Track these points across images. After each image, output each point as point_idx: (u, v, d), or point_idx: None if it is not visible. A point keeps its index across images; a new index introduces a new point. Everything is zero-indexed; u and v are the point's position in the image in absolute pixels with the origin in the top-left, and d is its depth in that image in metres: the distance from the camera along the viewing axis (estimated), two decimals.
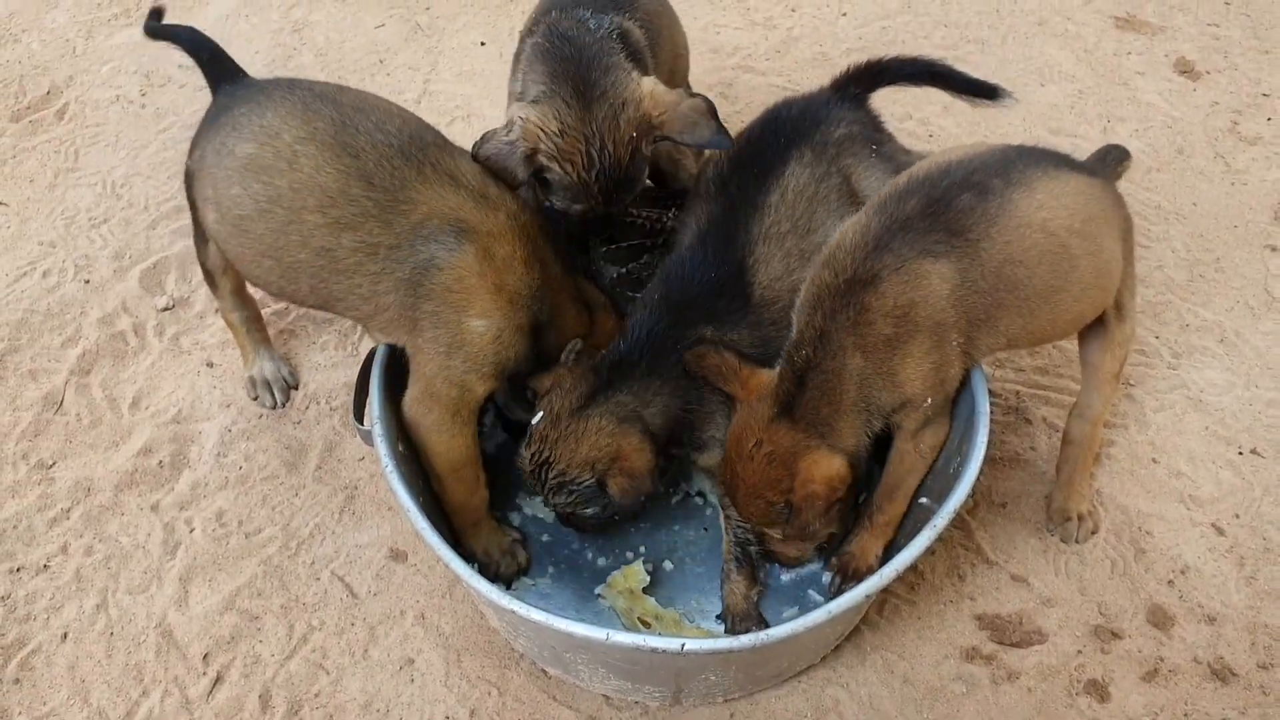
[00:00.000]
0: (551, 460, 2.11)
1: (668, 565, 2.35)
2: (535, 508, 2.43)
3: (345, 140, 2.09)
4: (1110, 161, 2.50)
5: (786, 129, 2.29)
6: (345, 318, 2.29)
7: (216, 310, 2.78)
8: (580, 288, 2.28)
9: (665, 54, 2.57)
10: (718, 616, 2.26)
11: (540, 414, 2.15)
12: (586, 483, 2.11)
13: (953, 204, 2.02)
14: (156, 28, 2.51)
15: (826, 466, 2.00)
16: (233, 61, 2.42)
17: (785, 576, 2.32)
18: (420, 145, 2.13)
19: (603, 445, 2.09)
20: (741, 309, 2.17)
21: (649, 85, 2.22)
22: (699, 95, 2.24)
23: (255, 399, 2.69)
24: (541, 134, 2.17)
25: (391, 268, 2.08)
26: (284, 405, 2.68)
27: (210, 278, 2.55)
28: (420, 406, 2.16)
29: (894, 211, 2.03)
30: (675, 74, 2.70)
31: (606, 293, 2.37)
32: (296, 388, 2.72)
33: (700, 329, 2.15)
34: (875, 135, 2.38)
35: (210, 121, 2.27)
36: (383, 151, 2.09)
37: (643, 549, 2.38)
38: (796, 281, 2.15)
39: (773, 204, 2.21)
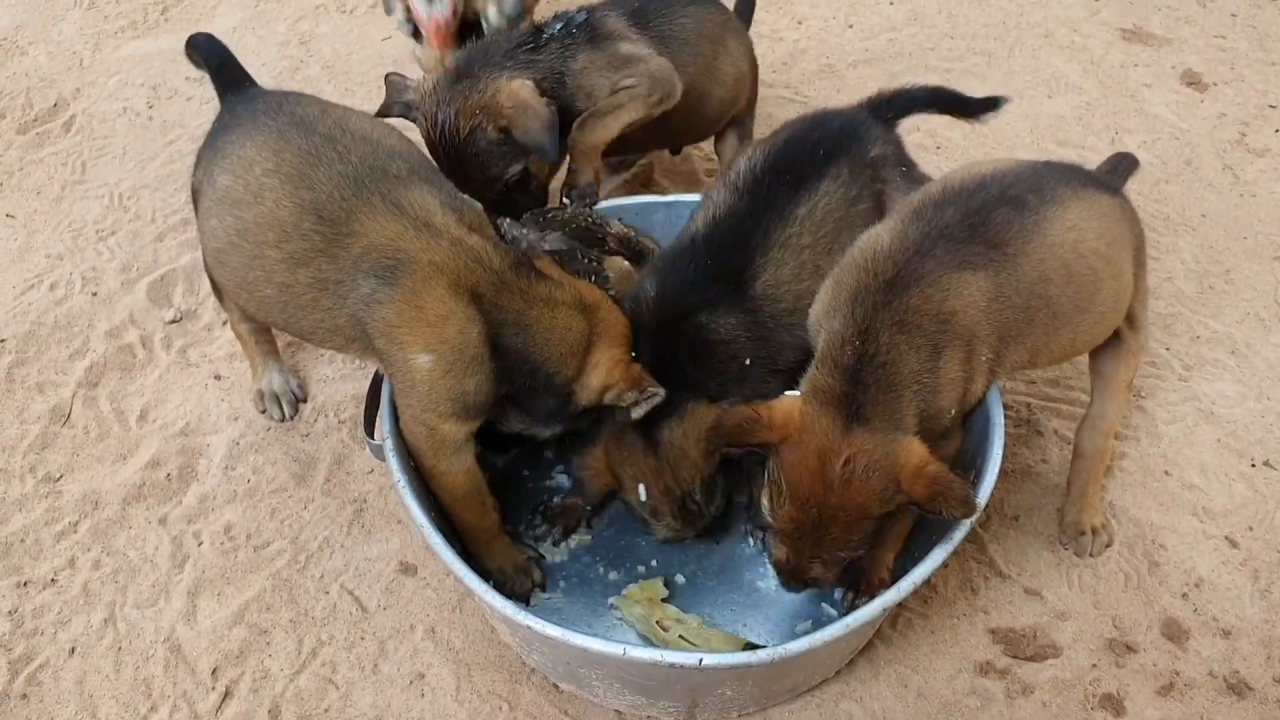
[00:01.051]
0: (690, 488, 2.22)
1: (680, 579, 2.34)
2: (546, 550, 2.41)
3: (306, 172, 2.04)
4: (1121, 171, 2.49)
5: (828, 142, 2.30)
6: (324, 351, 2.28)
7: (224, 323, 2.78)
8: (563, 290, 2.11)
9: (713, 76, 2.76)
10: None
11: (641, 487, 2.22)
12: (717, 469, 2.22)
13: (991, 217, 2.01)
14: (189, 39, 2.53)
15: (922, 450, 1.88)
16: (242, 70, 2.42)
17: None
18: (379, 175, 2.06)
19: (696, 436, 2.14)
20: (738, 296, 2.17)
21: (515, 84, 2.45)
22: (550, 108, 2.46)
23: (263, 412, 2.67)
24: (422, 91, 2.51)
25: (339, 302, 2.03)
26: (292, 418, 2.67)
27: (217, 290, 2.54)
28: (407, 439, 2.12)
29: (932, 219, 2.01)
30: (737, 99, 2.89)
31: (601, 285, 2.28)
32: (305, 400, 2.71)
33: (695, 317, 2.15)
34: (903, 157, 2.41)
35: (210, 141, 2.25)
36: (337, 183, 2.03)
37: (654, 563, 2.37)
38: (804, 290, 2.15)
39: (800, 216, 2.22)
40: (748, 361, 2.19)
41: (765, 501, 1.97)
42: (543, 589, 2.30)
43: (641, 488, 2.21)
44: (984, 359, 2.00)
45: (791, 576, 2.01)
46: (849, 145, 2.30)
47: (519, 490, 2.48)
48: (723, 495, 2.30)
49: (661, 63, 2.59)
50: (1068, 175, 2.15)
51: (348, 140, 2.10)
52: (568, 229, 2.45)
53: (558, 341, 2.08)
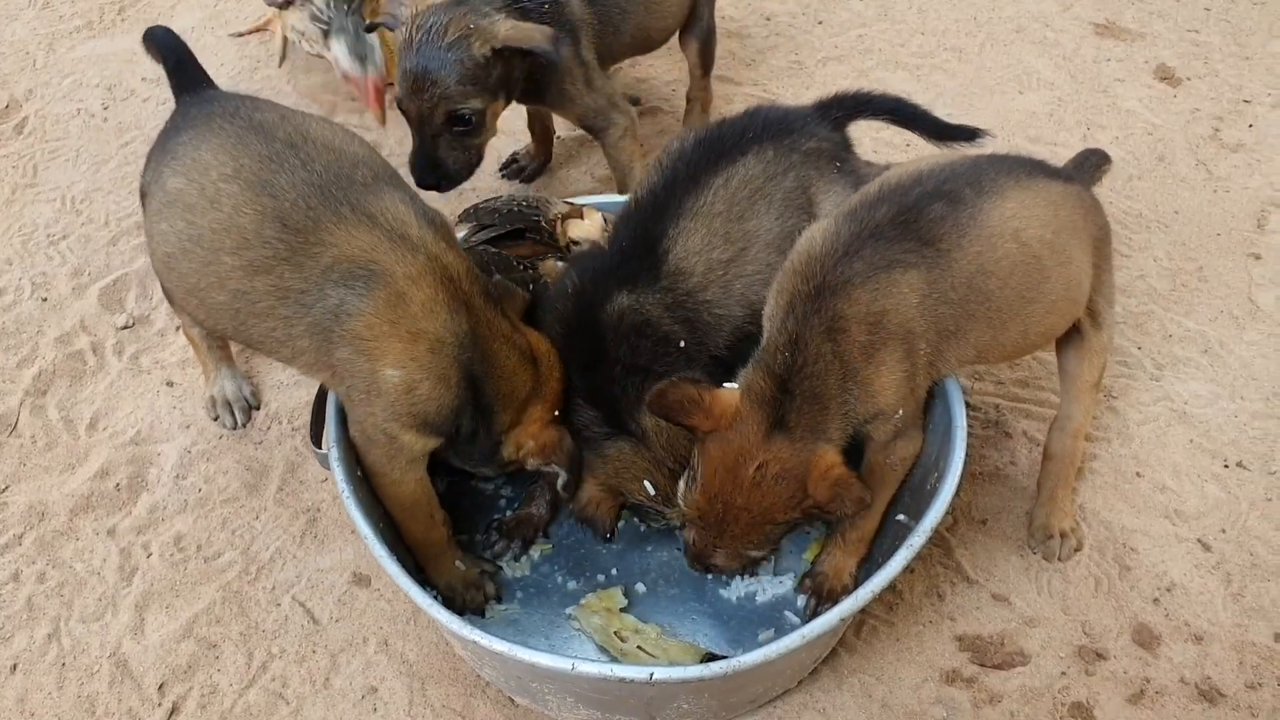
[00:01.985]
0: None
1: (640, 588, 2.28)
2: (508, 565, 2.34)
3: (267, 179, 1.98)
4: (1089, 166, 2.44)
5: (758, 125, 2.26)
6: (275, 360, 2.19)
7: (178, 328, 2.71)
8: (519, 335, 2.09)
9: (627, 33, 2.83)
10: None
11: (647, 485, 2.14)
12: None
13: (924, 213, 1.97)
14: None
15: (835, 459, 1.91)
16: (199, 69, 2.35)
17: (761, 598, 2.25)
18: (345, 184, 2.00)
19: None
20: (653, 273, 2.12)
21: (507, 23, 2.45)
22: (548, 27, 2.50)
23: (215, 419, 2.61)
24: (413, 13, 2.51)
25: (301, 313, 1.97)
26: (244, 426, 2.60)
27: (169, 294, 2.42)
28: (360, 445, 2.06)
29: (864, 219, 1.98)
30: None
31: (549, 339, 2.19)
32: (258, 408, 2.64)
33: (617, 296, 2.09)
34: (843, 154, 2.36)
35: (161, 142, 2.17)
36: (301, 191, 1.97)
37: (614, 571, 2.31)
38: (714, 261, 2.14)
39: (715, 185, 2.17)
40: (682, 344, 2.12)
41: (681, 484, 2.03)
42: (498, 601, 2.24)
43: (648, 483, 2.14)
44: (922, 354, 1.98)
45: (694, 559, 2.07)
46: (781, 134, 2.26)
47: (475, 499, 2.42)
48: None
49: (627, 110, 2.79)
50: (1011, 165, 2.10)
51: (309, 147, 2.03)
52: (504, 214, 2.40)
53: (507, 381, 2.04)
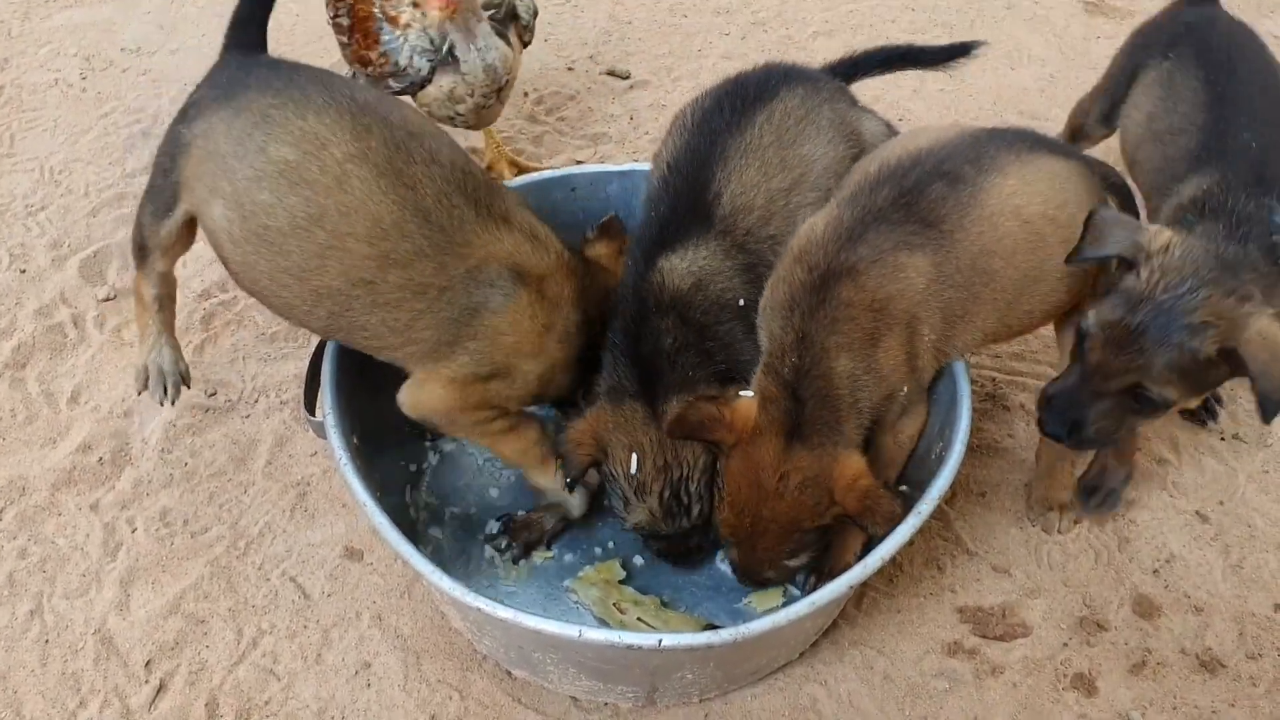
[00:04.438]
0: (687, 474, 2.04)
1: (638, 560, 2.25)
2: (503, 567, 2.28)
3: (400, 168, 1.92)
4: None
5: (778, 73, 2.23)
6: (348, 342, 2.08)
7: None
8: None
9: None
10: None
11: (634, 457, 2.04)
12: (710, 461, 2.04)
13: (925, 194, 1.94)
14: None
15: (858, 463, 1.91)
16: (263, 31, 2.20)
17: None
18: (473, 181, 2.01)
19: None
20: (705, 223, 2.05)
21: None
22: None
23: (141, 391, 2.37)
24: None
25: (440, 308, 1.95)
26: (174, 403, 2.42)
27: (145, 253, 2.24)
28: (422, 410, 2.06)
29: (866, 203, 1.94)
30: None
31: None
32: (189, 386, 2.45)
33: (662, 260, 2.03)
34: (855, 103, 2.35)
35: (223, 93, 2.01)
36: (440, 187, 1.94)
37: (611, 544, 2.27)
38: (774, 191, 2.09)
39: (759, 121, 2.12)
40: (741, 302, 2.06)
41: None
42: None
43: (635, 458, 2.05)
44: (926, 338, 1.95)
45: (744, 577, 2.07)
46: (800, 77, 2.24)
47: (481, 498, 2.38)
48: (714, 500, 2.06)
49: None
50: (1011, 140, 2.07)
51: (428, 139, 1.99)
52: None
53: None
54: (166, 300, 2.36)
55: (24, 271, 2.80)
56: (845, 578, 1.82)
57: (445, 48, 2.36)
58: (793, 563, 2.00)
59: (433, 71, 2.31)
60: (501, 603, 1.77)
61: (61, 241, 2.88)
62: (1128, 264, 1.88)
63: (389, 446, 2.27)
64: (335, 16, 2.37)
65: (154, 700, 2.10)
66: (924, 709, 2.09)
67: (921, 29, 3.58)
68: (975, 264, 1.94)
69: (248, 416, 2.54)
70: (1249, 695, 2.10)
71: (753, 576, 2.04)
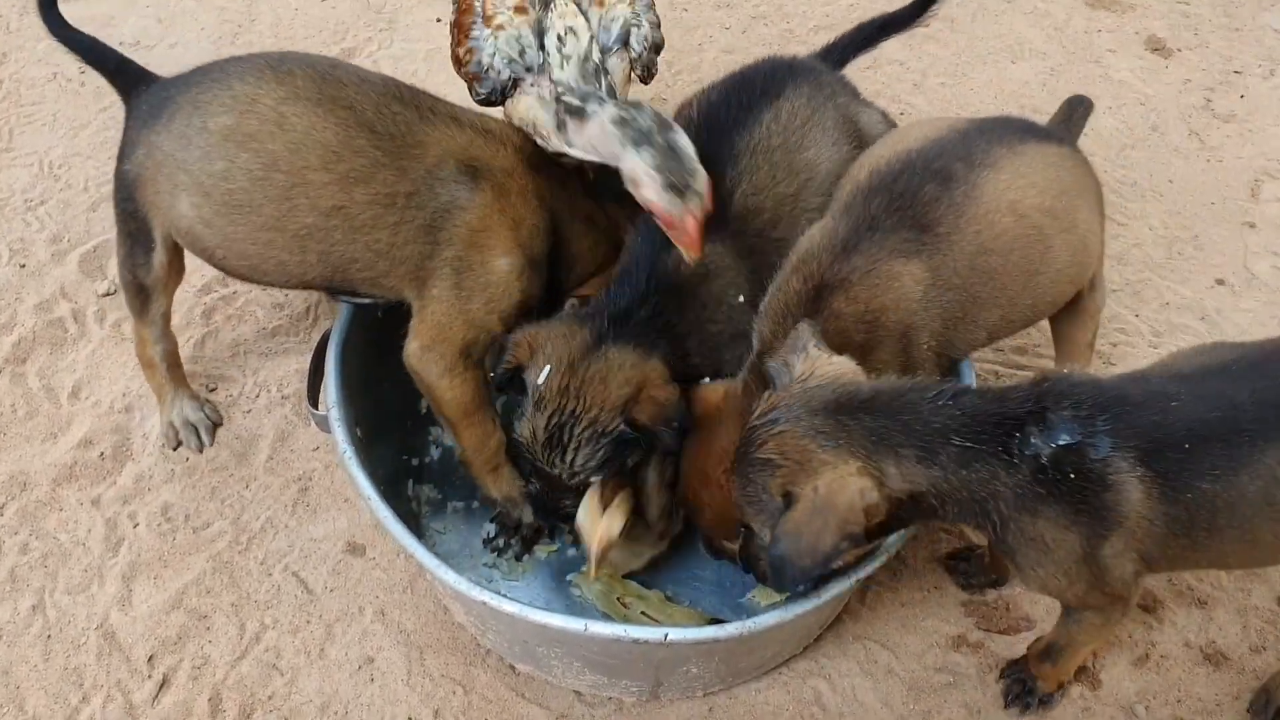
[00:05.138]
0: (579, 411, 1.92)
1: None
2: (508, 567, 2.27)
3: (333, 94, 1.97)
4: (1076, 118, 2.37)
5: (783, 69, 2.22)
6: (348, 285, 2.09)
7: (132, 341, 2.45)
8: (600, 213, 2.18)
9: None
10: None
11: (546, 369, 1.94)
12: (617, 427, 1.93)
13: (917, 197, 1.92)
14: (59, 30, 2.29)
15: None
16: (141, 68, 2.21)
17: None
18: (409, 91, 2.05)
19: (630, 379, 1.93)
20: (719, 220, 2.01)
21: None
22: None
23: (175, 447, 2.43)
24: None
25: (412, 215, 1.98)
26: (211, 445, 2.45)
27: (144, 296, 2.24)
28: (428, 355, 2.04)
29: (859, 212, 1.93)
30: None
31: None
32: (221, 424, 2.49)
33: (672, 251, 1.97)
34: (857, 95, 2.35)
35: (149, 118, 2.04)
36: (377, 100, 1.99)
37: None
38: (783, 195, 2.09)
39: (766, 120, 2.11)
40: (740, 298, 2.04)
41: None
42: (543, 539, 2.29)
43: (547, 369, 1.95)
44: (925, 346, 1.94)
45: (705, 545, 2.13)
46: (804, 72, 2.23)
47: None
48: (595, 464, 1.97)
49: None
50: (1001, 131, 2.04)
51: (352, 68, 2.05)
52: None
53: (582, 260, 2.14)
54: (172, 355, 2.39)
55: (24, 266, 2.79)
56: (851, 572, 1.82)
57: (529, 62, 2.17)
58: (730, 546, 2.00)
59: (514, 82, 2.15)
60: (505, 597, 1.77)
61: (61, 236, 2.87)
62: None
63: (391, 440, 2.27)
64: (452, 16, 2.33)
65: (157, 695, 2.09)
66: (928, 703, 2.09)
67: (921, 22, 3.57)
68: (973, 264, 1.92)
69: (249, 412, 2.53)
70: (1253, 688, 2.10)
71: (711, 548, 2.10)
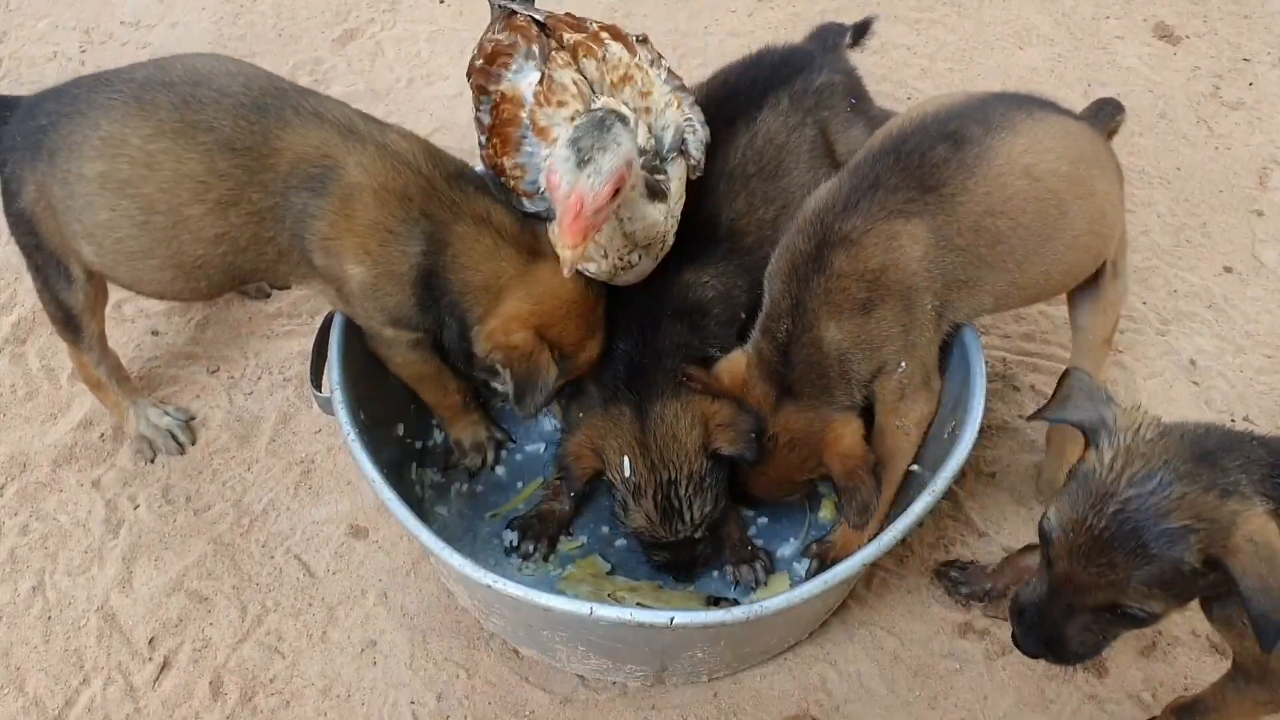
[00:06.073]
0: (675, 476, 1.97)
1: (621, 543, 2.23)
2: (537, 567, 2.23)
3: (193, 120, 1.90)
4: (1104, 116, 2.38)
5: (765, 73, 2.21)
6: (273, 283, 2.14)
7: (71, 374, 2.46)
8: (501, 214, 1.98)
9: None
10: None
11: (624, 460, 1.98)
12: (708, 467, 1.99)
13: (926, 158, 1.91)
14: None
15: (853, 431, 1.94)
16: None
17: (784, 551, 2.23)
18: (277, 93, 1.95)
19: (694, 421, 1.97)
20: (713, 241, 2.07)
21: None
22: None
23: (151, 460, 2.38)
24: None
25: (279, 228, 1.93)
26: (194, 444, 2.41)
27: (75, 324, 2.20)
28: (369, 337, 2.07)
29: (866, 172, 1.93)
30: None
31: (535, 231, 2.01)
32: (194, 418, 2.46)
33: (682, 274, 2.03)
34: (854, 88, 2.31)
35: (29, 153, 1.98)
36: (235, 115, 1.90)
37: (584, 540, 2.25)
38: (762, 220, 2.10)
39: (741, 145, 2.12)
40: (744, 315, 2.09)
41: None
42: (492, 468, 2.33)
43: (626, 461, 1.99)
44: (928, 307, 1.93)
45: (743, 499, 2.18)
46: (789, 75, 2.21)
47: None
48: (712, 505, 2.03)
49: None
50: (1021, 100, 2.04)
51: (215, 79, 1.95)
52: None
53: (474, 270, 1.94)
54: (116, 370, 2.35)
55: None
56: (858, 557, 1.80)
57: None
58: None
59: None
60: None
61: None
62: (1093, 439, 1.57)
63: (393, 423, 2.25)
64: (478, 111, 2.08)
65: (158, 678, 2.08)
66: (934, 689, 2.08)
67: (929, 7, 3.54)
68: (979, 225, 1.91)
69: (251, 394, 2.51)
70: None
71: (748, 500, 2.15)
